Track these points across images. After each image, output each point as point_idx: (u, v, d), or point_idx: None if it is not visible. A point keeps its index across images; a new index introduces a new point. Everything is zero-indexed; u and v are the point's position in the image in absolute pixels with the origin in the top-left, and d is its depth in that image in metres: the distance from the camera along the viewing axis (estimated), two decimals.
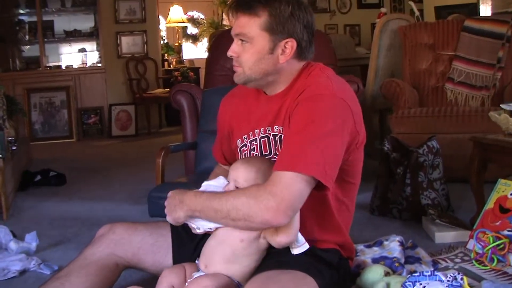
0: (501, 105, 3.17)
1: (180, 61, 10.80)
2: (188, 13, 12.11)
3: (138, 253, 2.15)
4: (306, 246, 1.89)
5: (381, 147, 3.71)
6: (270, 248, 1.95)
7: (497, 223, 2.80)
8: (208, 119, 3.48)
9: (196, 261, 2.06)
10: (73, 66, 8.64)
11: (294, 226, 1.85)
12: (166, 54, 10.74)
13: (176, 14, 10.67)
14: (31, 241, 3.20)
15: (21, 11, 8.55)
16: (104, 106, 8.58)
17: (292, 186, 1.78)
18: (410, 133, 4.38)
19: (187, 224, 2.01)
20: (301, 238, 1.89)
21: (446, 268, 2.66)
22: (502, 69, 4.81)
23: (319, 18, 10.52)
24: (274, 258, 1.94)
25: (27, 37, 8.58)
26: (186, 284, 1.97)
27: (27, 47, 8.76)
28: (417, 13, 6.34)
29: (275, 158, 2.01)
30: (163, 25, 11.33)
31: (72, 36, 8.68)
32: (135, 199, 4.44)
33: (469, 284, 2.19)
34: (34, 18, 8.44)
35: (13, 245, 3.14)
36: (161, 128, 9.24)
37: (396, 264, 2.55)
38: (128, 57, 8.87)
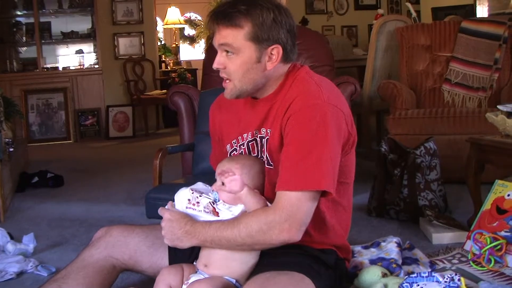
0: (498, 106, 3.18)
1: (178, 62, 10.80)
2: (185, 15, 12.12)
3: (135, 256, 2.15)
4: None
5: (378, 148, 3.71)
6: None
7: (494, 224, 2.81)
8: (206, 120, 3.46)
9: (194, 263, 2.06)
10: (70, 68, 8.63)
11: None
12: (163, 56, 10.74)
13: (173, 15, 10.67)
14: (29, 242, 3.20)
15: (18, 13, 8.54)
16: (101, 108, 8.57)
17: (301, 205, 1.83)
18: (407, 134, 4.38)
19: None
20: None
21: (444, 269, 2.67)
22: (499, 70, 4.82)
23: (316, 19, 10.53)
24: (271, 259, 1.95)
25: (24, 38, 8.57)
26: (184, 287, 1.97)
27: (24, 48, 8.74)
28: (414, 14, 6.34)
29: (262, 159, 2.04)
30: (160, 27, 11.34)
31: (69, 37, 8.68)
32: (133, 200, 4.44)
33: (466, 285, 2.19)
34: (31, 20, 8.43)
35: (10, 247, 3.13)
36: (158, 129, 9.23)
37: (394, 265, 2.55)
38: (126, 58, 8.87)
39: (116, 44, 8.87)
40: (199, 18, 12.30)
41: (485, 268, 2.65)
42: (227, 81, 2.00)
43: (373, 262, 2.62)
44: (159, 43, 10.36)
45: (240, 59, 1.94)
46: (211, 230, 1.90)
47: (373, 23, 6.31)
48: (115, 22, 8.82)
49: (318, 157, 1.84)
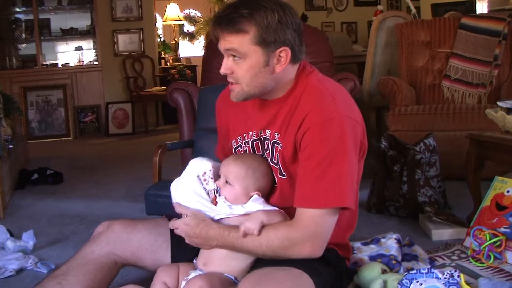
0: (497, 103, 3.17)
1: (177, 59, 10.79)
2: (185, 11, 12.11)
3: (137, 253, 2.14)
4: None
5: (378, 145, 3.71)
6: None
7: (494, 221, 2.81)
8: (205, 117, 3.48)
9: (194, 261, 2.06)
10: (70, 64, 8.62)
11: None
12: (163, 52, 10.73)
13: (173, 12, 10.65)
14: (28, 239, 3.20)
15: (18, 9, 8.53)
16: (101, 104, 8.57)
17: (323, 223, 1.85)
18: (407, 131, 4.38)
19: None
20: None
21: (443, 266, 2.67)
22: (498, 66, 4.82)
23: (316, 15, 10.53)
24: None
25: (23, 35, 8.57)
26: (183, 282, 1.98)
27: (24, 45, 8.74)
28: (413, 10, 6.34)
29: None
30: (159, 23, 11.32)
31: (69, 34, 8.67)
32: (132, 197, 4.44)
33: (466, 281, 2.19)
34: (31, 16, 8.43)
35: (10, 244, 3.13)
36: (158, 126, 9.23)
37: (393, 262, 2.55)
38: (125, 55, 8.86)
39: (115, 40, 8.86)
40: (199, 14, 12.29)
41: (485, 265, 2.65)
42: (235, 84, 1.95)
43: (372, 258, 2.62)
44: (158, 40, 10.35)
45: (247, 63, 1.88)
46: (231, 238, 1.90)
47: (372, 19, 6.30)
48: (115, 19, 8.81)
49: (338, 172, 1.83)
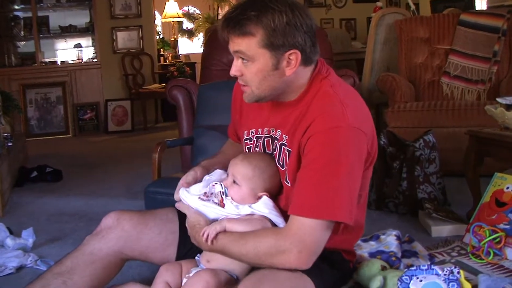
0: (497, 99, 3.17)
1: (176, 56, 10.77)
2: (184, 8, 12.10)
3: (146, 252, 2.10)
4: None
5: (377, 141, 3.70)
6: None
7: (494, 217, 2.81)
8: (204, 114, 3.48)
9: (196, 257, 2.05)
10: (69, 62, 8.60)
11: None
12: (162, 49, 10.71)
13: (172, 9, 10.64)
14: (28, 237, 3.20)
15: (16, 7, 8.51)
16: (100, 102, 8.56)
17: (314, 233, 1.77)
18: (406, 127, 4.38)
19: None
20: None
21: (443, 262, 2.67)
22: (497, 63, 4.82)
23: (315, 12, 10.51)
24: None
25: (22, 32, 8.55)
26: (185, 279, 1.98)
27: (23, 43, 8.72)
28: (412, 7, 6.34)
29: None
30: (158, 20, 11.31)
31: (68, 31, 8.65)
32: (132, 194, 4.44)
33: (465, 278, 2.20)
34: (29, 14, 8.40)
35: (9, 241, 3.14)
36: (157, 123, 9.22)
37: (393, 258, 2.56)
38: (124, 52, 8.85)
39: (114, 38, 8.85)
40: (198, 11, 12.28)
41: (484, 261, 2.66)
42: (245, 86, 1.91)
43: (372, 255, 2.62)
44: (157, 37, 10.34)
45: (256, 66, 1.84)
46: (218, 247, 1.88)
47: (371, 16, 6.30)
48: (114, 16, 8.79)
49: (336, 184, 1.76)
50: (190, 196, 2.01)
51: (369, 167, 1.97)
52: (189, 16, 12.15)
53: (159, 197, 2.90)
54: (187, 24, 12.33)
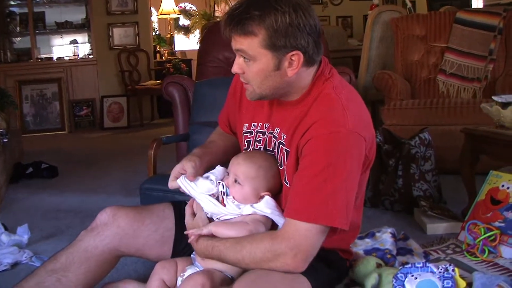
0: (492, 97, 3.18)
1: (172, 52, 10.77)
2: (180, 5, 12.08)
3: (142, 249, 2.09)
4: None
5: None
6: None
7: (489, 215, 2.81)
8: (200, 110, 3.48)
9: (192, 255, 2.05)
10: (65, 58, 8.60)
11: None
12: (158, 46, 10.71)
13: (168, 5, 10.63)
14: (23, 233, 3.19)
15: (12, 3, 8.50)
16: (96, 98, 8.55)
17: (310, 237, 1.76)
18: (402, 125, 4.39)
19: None
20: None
21: (438, 260, 2.68)
22: (493, 61, 4.82)
23: None
24: None
25: (18, 28, 8.53)
26: (180, 279, 1.97)
27: (18, 39, 8.71)
28: (409, 4, 6.34)
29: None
30: (155, 17, 11.30)
31: (64, 27, 8.64)
32: (128, 191, 4.44)
33: (460, 275, 2.20)
34: (25, 10, 8.40)
35: (4, 238, 3.13)
36: (153, 120, 9.22)
37: (388, 256, 2.56)
38: (120, 48, 8.84)
39: (110, 34, 8.84)
40: (194, 8, 12.27)
41: (479, 259, 2.66)
42: (247, 84, 1.90)
43: (367, 252, 2.62)
44: (153, 34, 10.33)
45: (257, 66, 1.82)
46: (215, 253, 1.87)
47: (368, 13, 6.31)
48: (110, 12, 8.78)
49: (333, 189, 1.76)
50: (198, 190, 1.97)
51: (366, 170, 1.96)
52: (185, 12, 12.14)
53: (154, 193, 2.90)
54: (184, 21, 12.32)
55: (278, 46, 1.78)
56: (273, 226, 1.93)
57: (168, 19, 11.14)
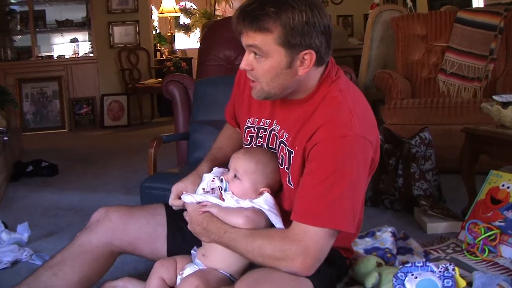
0: (493, 97, 3.18)
1: (173, 51, 10.78)
2: (181, 3, 12.08)
3: (134, 242, 2.10)
4: None
5: None
6: None
7: (489, 214, 2.81)
8: (201, 109, 3.48)
9: (192, 251, 2.05)
10: (65, 56, 8.60)
11: None
12: (158, 44, 10.71)
13: (169, 4, 10.63)
14: (23, 232, 3.19)
15: (13, 1, 8.49)
16: (96, 96, 8.55)
17: (319, 241, 1.76)
18: (403, 124, 4.39)
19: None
20: None
21: (438, 259, 2.68)
22: (494, 60, 4.82)
23: None
24: None
25: (18, 27, 8.53)
26: (179, 277, 1.97)
27: (19, 37, 8.70)
28: (410, 4, 6.35)
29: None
30: (155, 15, 11.29)
31: (64, 26, 8.64)
32: (128, 189, 4.44)
33: (460, 275, 2.20)
34: (26, 8, 8.39)
35: (4, 236, 3.13)
36: (153, 118, 9.22)
37: (388, 255, 2.56)
38: (120, 47, 8.84)
39: (111, 32, 8.84)
40: (194, 7, 12.26)
41: (479, 258, 2.66)
42: (255, 82, 1.87)
43: (368, 251, 2.62)
44: (154, 32, 10.33)
45: (269, 63, 1.79)
46: (226, 239, 1.86)
47: (368, 12, 6.31)
48: (110, 11, 8.78)
49: (340, 193, 1.75)
50: (192, 195, 1.99)
51: (371, 173, 1.97)
52: (185, 11, 12.12)
53: (154, 192, 2.89)
54: (184, 19, 12.30)
55: (293, 44, 1.76)
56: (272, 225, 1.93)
57: (169, 17, 11.15)
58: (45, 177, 5.04)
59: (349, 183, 1.77)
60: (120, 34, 8.89)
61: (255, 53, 1.81)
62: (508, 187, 2.82)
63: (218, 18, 10.19)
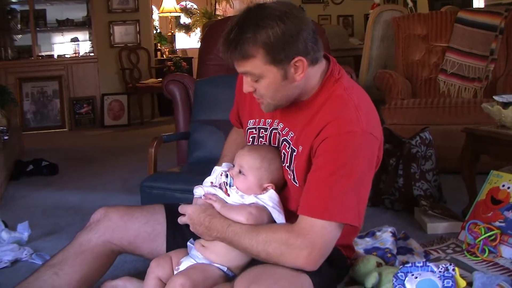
0: (493, 97, 3.18)
1: (173, 51, 10.77)
2: (181, 3, 12.07)
3: (134, 242, 2.11)
4: None
5: None
6: None
7: (489, 214, 2.81)
8: (201, 108, 3.48)
9: (189, 242, 2.05)
10: (66, 56, 8.60)
11: None
12: (159, 44, 10.70)
13: (169, 3, 10.63)
14: (23, 231, 3.19)
15: (13, 0, 8.49)
16: (96, 96, 8.55)
17: (325, 235, 1.78)
18: (403, 124, 4.38)
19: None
20: None
21: (438, 259, 2.68)
22: (495, 61, 4.82)
23: (313, 8, 10.52)
24: None
25: (19, 26, 8.52)
26: (176, 271, 1.97)
27: (19, 36, 8.70)
28: (410, 4, 6.34)
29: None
30: (156, 15, 11.29)
31: (65, 25, 8.64)
32: (128, 189, 4.44)
33: (460, 275, 2.20)
34: (26, 7, 8.39)
35: (4, 235, 3.13)
36: (153, 118, 9.22)
37: (389, 255, 2.56)
38: (121, 46, 8.83)
39: (111, 32, 8.83)
40: (195, 6, 12.26)
41: (479, 258, 2.66)
42: (261, 99, 1.91)
43: (368, 251, 2.62)
44: (154, 32, 10.33)
45: (266, 81, 1.83)
46: (229, 233, 1.87)
47: (369, 12, 6.31)
48: (111, 10, 8.77)
49: (347, 187, 1.78)
50: (203, 187, 2.03)
51: (375, 169, 1.98)
52: (186, 11, 12.12)
53: (154, 191, 2.90)
54: (184, 19, 12.30)
55: (279, 59, 1.78)
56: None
57: (169, 17, 11.14)
58: (45, 177, 5.05)
59: (355, 178, 1.79)
60: (121, 33, 8.89)
61: (251, 77, 1.84)
62: (509, 188, 2.82)
63: (219, 17, 10.21)
